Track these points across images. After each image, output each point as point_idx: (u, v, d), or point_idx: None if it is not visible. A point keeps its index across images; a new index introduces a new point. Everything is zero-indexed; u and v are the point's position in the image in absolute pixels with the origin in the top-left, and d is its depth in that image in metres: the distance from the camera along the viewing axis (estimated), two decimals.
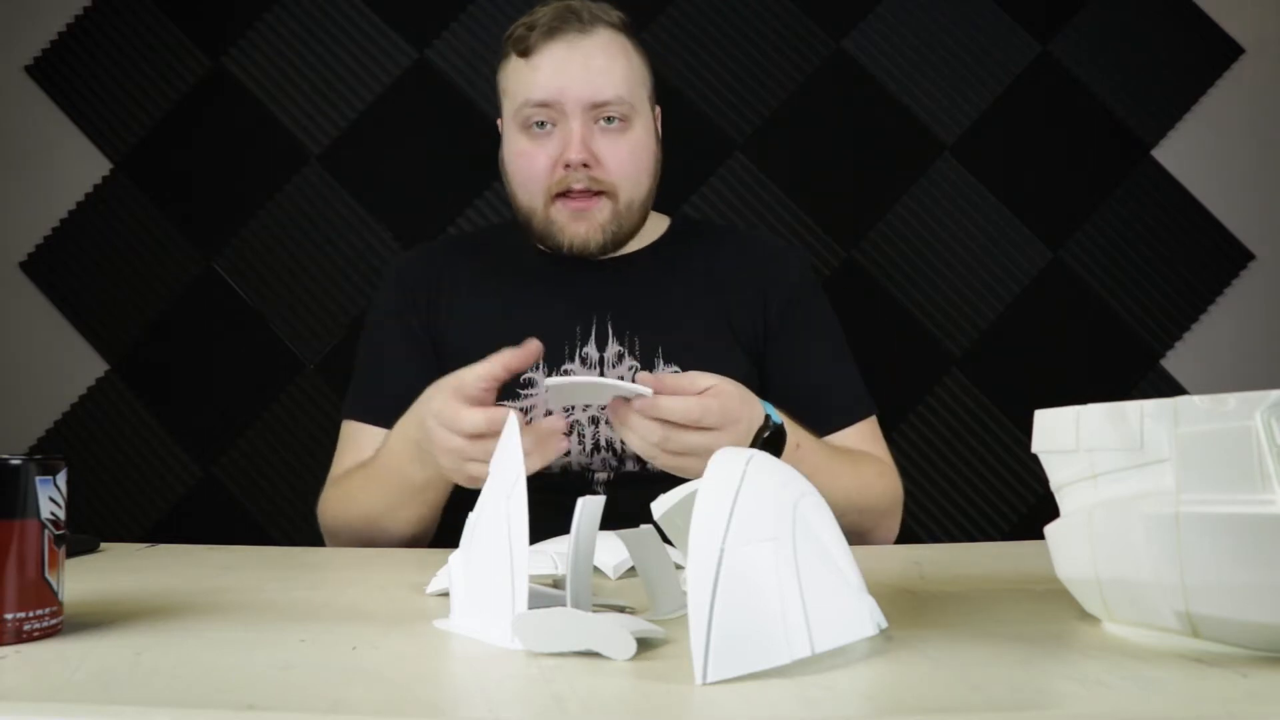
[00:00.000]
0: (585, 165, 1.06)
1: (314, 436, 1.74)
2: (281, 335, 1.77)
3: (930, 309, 1.78)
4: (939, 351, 1.78)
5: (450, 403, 0.84)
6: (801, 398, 1.10)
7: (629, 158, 1.09)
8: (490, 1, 1.81)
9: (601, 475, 1.08)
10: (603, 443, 1.08)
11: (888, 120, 1.80)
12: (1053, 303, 1.79)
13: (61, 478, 0.57)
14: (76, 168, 1.80)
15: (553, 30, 1.07)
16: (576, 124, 1.06)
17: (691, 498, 0.54)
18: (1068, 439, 0.56)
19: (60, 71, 1.82)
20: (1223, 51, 1.82)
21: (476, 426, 0.82)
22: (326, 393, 1.75)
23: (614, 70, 1.07)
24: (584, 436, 1.08)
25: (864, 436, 1.14)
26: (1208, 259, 1.80)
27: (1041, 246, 1.79)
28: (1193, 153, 1.81)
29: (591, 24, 1.08)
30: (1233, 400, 0.47)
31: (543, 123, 1.07)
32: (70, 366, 1.78)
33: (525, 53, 1.08)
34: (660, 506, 0.60)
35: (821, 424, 1.10)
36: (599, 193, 1.08)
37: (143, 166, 1.80)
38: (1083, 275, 1.79)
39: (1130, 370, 1.78)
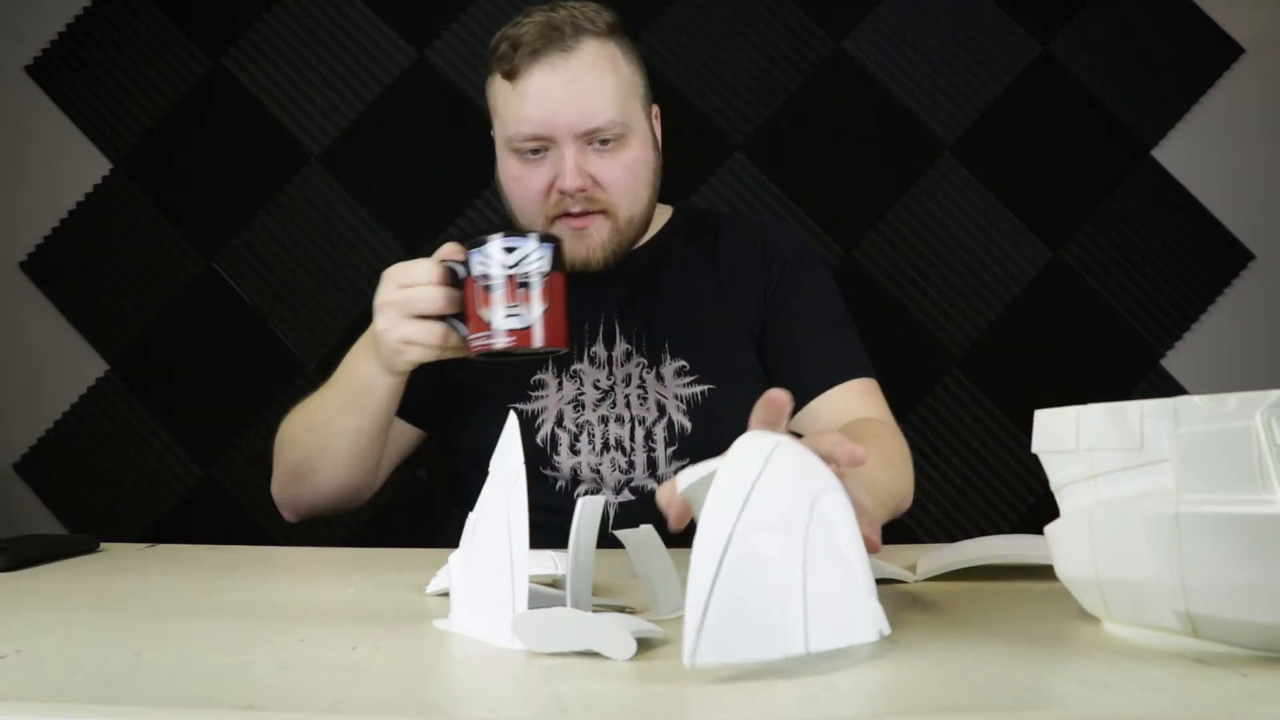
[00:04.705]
0: (582, 189, 1.04)
1: None
2: (281, 335, 1.77)
3: (930, 309, 1.78)
4: (939, 351, 1.78)
5: (405, 262, 0.92)
6: (791, 360, 1.08)
7: (625, 176, 1.06)
8: (490, 1, 1.81)
9: (613, 499, 1.07)
10: (612, 441, 1.08)
11: (888, 120, 1.80)
12: (1053, 303, 1.79)
13: None
14: (76, 168, 1.80)
15: (535, 52, 1.02)
16: (570, 151, 1.03)
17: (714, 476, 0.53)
18: (1068, 439, 0.55)
19: (60, 71, 1.82)
20: (1223, 51, 1.81)
21: (429, 272, 0.89)
22: None
23: (602, 90, 1.03)
24: (594, 437, 1.07)
25: (857, 394, 1.09)
26: (1208, 259, 1.80)
27: (1041, 246, 1.79)
28: (1193, 153, 1.81)
29: (575, 38, 1.03)
30: (1233, 400, 0.47)
31: (535, 149, 1.04)
32: (70, 366, 1.78)
33: (509, 75, 1.04)
34: (685, 479, 0.59)
35: (812, 386, 1.06)
36: (596, 212, 1.07)
37: (143, 166, 1.80)
38: (1083, 275, 1.79)
39: (1130, 370, 1.78)
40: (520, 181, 1.07)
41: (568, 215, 1.05)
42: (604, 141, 1.04)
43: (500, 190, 1.14)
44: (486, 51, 1.11)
